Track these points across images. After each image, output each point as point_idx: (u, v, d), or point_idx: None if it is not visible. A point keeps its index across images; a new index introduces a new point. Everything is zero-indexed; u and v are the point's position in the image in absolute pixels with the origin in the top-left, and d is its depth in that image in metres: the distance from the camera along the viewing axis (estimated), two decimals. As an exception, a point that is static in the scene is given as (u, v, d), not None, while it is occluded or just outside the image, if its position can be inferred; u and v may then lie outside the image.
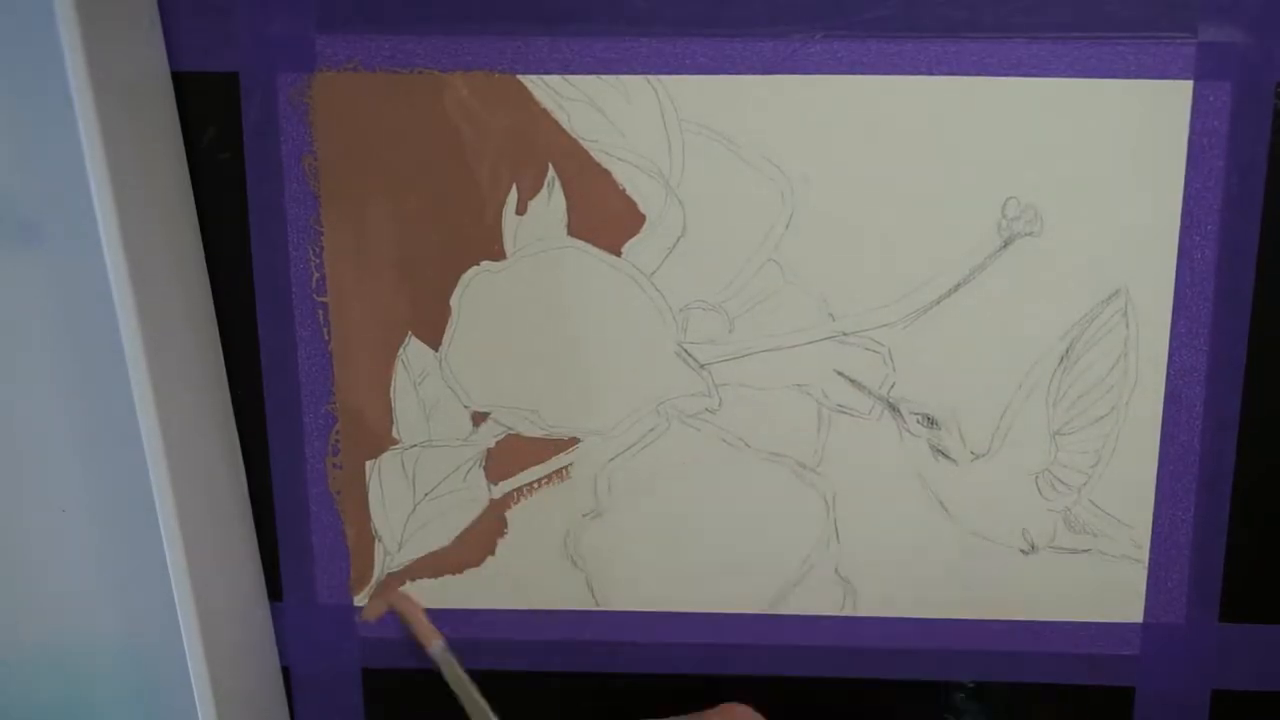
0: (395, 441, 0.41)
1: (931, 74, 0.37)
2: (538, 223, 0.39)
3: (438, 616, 0.43)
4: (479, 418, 0.41)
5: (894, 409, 0.40)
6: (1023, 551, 0.41)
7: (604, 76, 0.38)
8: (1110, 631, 0.41)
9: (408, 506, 0.42)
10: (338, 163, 0.39)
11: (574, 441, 0.41)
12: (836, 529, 0.41)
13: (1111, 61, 0.37)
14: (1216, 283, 0.39)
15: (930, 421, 0.40)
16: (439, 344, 0.40)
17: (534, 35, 0.38)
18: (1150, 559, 0.41)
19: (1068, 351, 0.39)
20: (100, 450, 0.38)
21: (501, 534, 0.42)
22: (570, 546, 0.42)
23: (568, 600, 0.42)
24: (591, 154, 0.39)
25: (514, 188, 0.39)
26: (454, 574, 0.42)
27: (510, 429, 0.41)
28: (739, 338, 0.40)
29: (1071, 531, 0.41)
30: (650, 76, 0.38)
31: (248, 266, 0.40)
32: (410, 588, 0.42)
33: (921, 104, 0.38)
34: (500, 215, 0.39)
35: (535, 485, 0.41)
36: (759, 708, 0.43)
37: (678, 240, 0.39)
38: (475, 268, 0.40)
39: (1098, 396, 0.40)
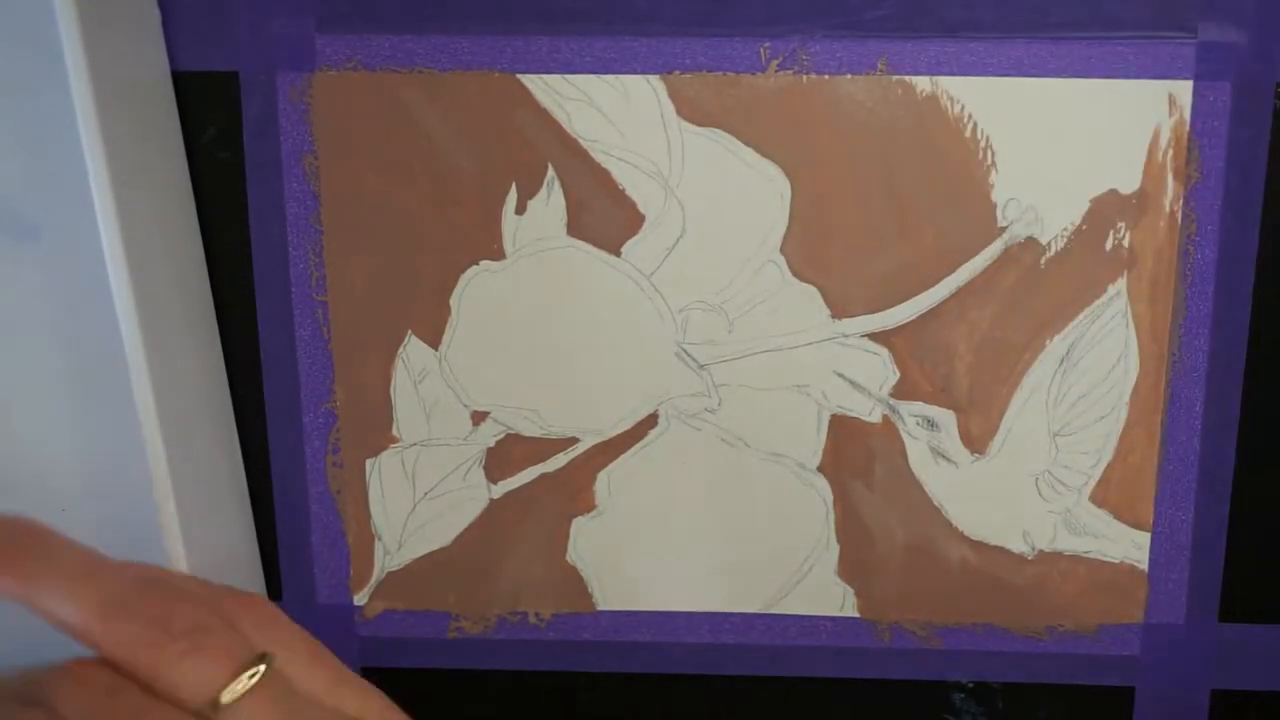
0: (395, 440, 0.41)
1: (932, 74, 0.37)
2: (537, 222, 0.39)
3: (437, 617, 0.43)
4: (479, 417, 0.41)
5: (894, 410, 0.40)
6: (1023, 553, 0.41)
7: (604, 76, 0.38)
8: (1110, 632, 0.41)
9: (407, 506, 0.42)
10: (338, 162, 0.39)
11: (574, 441, 0.41)
12: (835, 530, 0.41)
13: (1111, 61, 0.37)
14: (1216, 283, 0.39)
15: (930, 423, 0.40)
16: (439, 343, 0.40)
17: (534, 35, 0.38)
18: (1150, 559, 0.41)
19: (1068, 353, 0.39)
20: (100, 450, 0.38)
21: (501, 533, 0.42)
22: (570, 546, 0.42)
23: (567, 600, 0.42)
24: (591, 154, 0.39)
25: (513, 187, 0.39)
26: (454, 573, 0.42)
27: (510, 428, 0.41)
28: (739, 338, 0.40)
29: (1071, 533, 0.41)
30: (650, 76, 0.38)
31: (248, 266, 0.40)
32: (410, 588, 0.42)
33: (922, 104, 0.38)
34: (500, 215, 0.39)
35: (535, 485, 0.41)
36: (759, 708, 0.43)
37: (677, 240, 0.39)
38: (475, 267, 0.40)
39: (1098, 397, 0.40)
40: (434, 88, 0.38)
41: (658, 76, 0.38)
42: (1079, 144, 0.38)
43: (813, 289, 0.39)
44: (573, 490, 0.41)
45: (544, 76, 0.38)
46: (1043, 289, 0.39)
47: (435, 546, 0.42)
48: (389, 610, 0.43)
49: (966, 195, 0.38)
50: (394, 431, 0.41)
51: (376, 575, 0.42)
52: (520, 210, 0.39)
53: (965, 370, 0.40)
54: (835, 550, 0.41)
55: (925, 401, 0.40)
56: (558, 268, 0.39)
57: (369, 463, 0.41)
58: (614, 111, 0.38)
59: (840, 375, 0.40)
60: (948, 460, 0.40)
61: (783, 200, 0.39)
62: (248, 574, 0.41)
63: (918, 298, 0.39)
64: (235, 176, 0.39)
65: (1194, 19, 0.37)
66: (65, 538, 0.27)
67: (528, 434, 0.41)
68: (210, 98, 0.39)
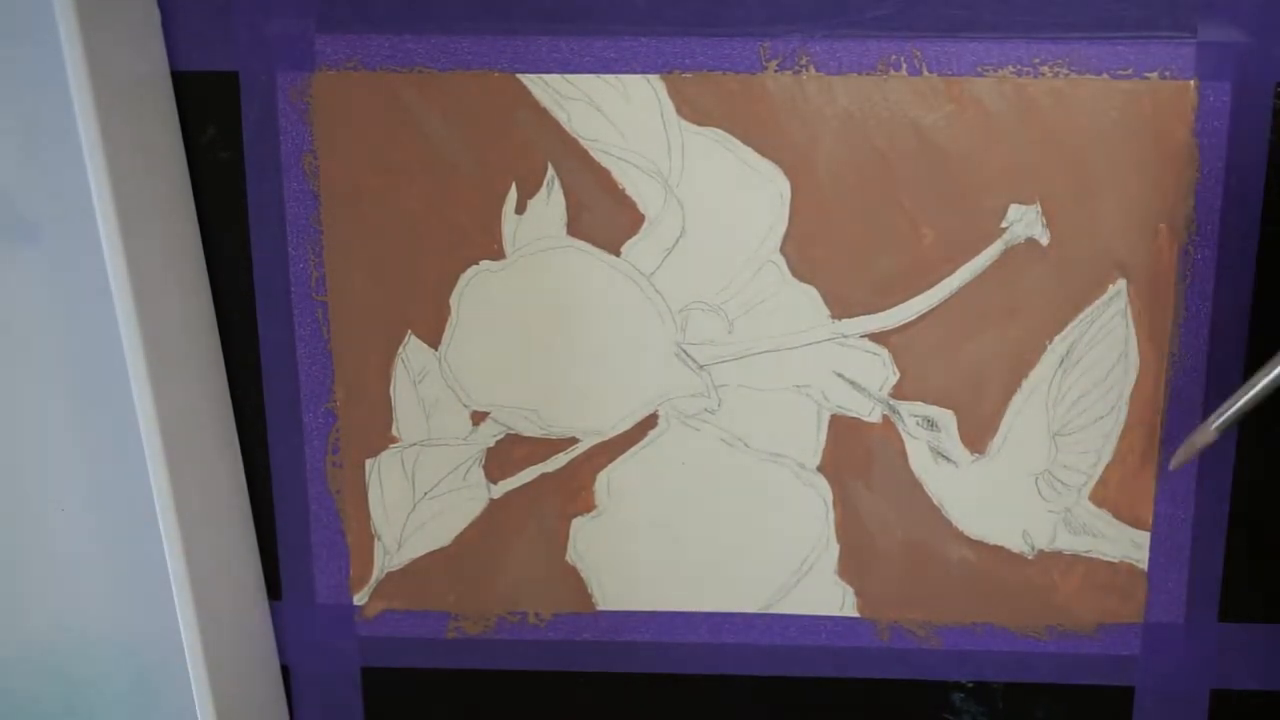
0: (395, 440, 0.41)
1: (932, 74, 0.37)
2: (537, 222, 0.39)
3: (437, 617, 0.43)
4: (479, 417, 0.41)
5: (894, 411, 0.40)
6: (1022, 552, 0.41)
7: (604, 76, 0.38)
8: (1110, 631, 0.41)
9: (407, 506, 0.42)
10: (338, 162, 0.39)
11: (573, 441, 0.41)
12: (835, 530, 0.41)
13: (1111, 61, 0.37)
14: (1216, 282, 0.39)
15: (930, 423, 0.40)
16: (438, 343, 0.40)
17: (534, 35, 0.38)
18: (1150, 559, 0.41)
19: (1068, 353, 0.39)
20: (100, 450, 0.38)
21: (501, 533, 0.42)
22: (570, 546, 0.42)
23: (567, 600, 0.42)
24: (591, 153, 0.39)
25: (513, 187, 0.39)
26: (454, 573, 0.42)
27: (510, 428, 0.41)
28: (738, 338, 0.40)
29: (1071, 532, 0.41)
30: (650, 76, 0.38)
31: (248, 266, 0.40)
32: (410, 588, 0.42)
33: (922, 104, 0.38)
34: (499, 215, 0.39)
35: (535, 485, 0.41)
36: (759, 708, 0.43)
37: (677, 240, 0.39)
38: (474, 267, 0.40)
39: (1098, 397, 0.40)
40: (434, 88, 0.38)
41: (658, 76, 0.38)
42: (1079, 144, 0.38)
43: (813, 289, 0.39)
44: (573, 490, 0.41)
45: (544, 76, 0.38)
46: (1043, 289, 0.39)
47: (435, 546, 0.42)
48: (389, 610, 0.43)
49: (966, 195, 0.38)
50: (394, 431, 0.41)
51: (376, 575, 0.42)
52: (520, 210, 0.39)
53: (965, 370, 0.40)
54: (835, 550, 0.41)
55: (925, 401, 0.40)
56: (558, 268, 0.39)
57: (369, 463, 0.41)
58: (614, 111, 0.38)
59: (840, 375, 0.40)
60: (948, 460, 0.40)
61: (783, 200, 0.39)
62: (248, 574, 0.41)
63: (918, 298, 0.39)
64: (235, 176, 0.39)
65: (1194, 19, 0.37)
66: None
67: (528, 434, 0.41)
68: (210, 98, 0.39)
